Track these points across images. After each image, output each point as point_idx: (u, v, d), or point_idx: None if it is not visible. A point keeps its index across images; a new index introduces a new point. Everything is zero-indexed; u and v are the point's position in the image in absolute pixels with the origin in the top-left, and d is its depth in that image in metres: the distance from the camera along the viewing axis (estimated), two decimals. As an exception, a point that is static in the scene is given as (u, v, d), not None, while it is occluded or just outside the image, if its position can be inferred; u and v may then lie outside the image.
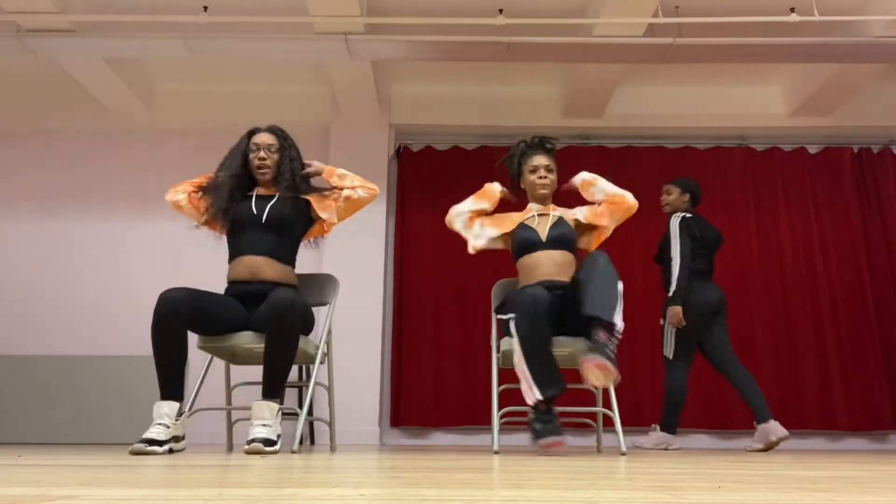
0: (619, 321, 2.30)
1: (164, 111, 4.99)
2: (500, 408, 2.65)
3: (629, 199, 2.69)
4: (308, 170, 2.73)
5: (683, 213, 3.66)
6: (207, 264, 3.82)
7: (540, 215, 2.78)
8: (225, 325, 2.46)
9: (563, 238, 2.69)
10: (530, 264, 2.68)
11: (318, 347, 2.74)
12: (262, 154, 2.63)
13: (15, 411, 4.32)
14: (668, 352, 3.61)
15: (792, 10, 3.83)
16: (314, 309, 2.83)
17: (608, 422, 3.09)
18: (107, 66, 4.34)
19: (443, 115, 4.97)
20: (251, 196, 2.63)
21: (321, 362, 2.73)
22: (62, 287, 4.72)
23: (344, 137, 4.86)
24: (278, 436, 2.29)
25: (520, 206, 2.90)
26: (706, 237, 3.62)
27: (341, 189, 2.70)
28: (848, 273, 4.77)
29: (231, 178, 2.59)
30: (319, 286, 2.94)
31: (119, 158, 4.97)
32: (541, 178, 2.76)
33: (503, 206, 2.91)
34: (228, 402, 2.94)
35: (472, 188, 4.81)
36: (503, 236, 2.80)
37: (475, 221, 2.82)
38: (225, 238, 2.66)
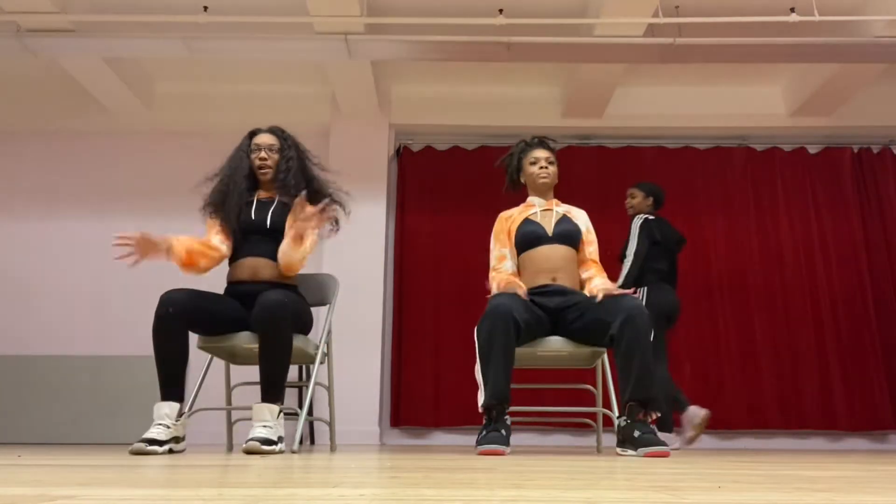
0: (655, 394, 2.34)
1: (164, 111, 4.99)
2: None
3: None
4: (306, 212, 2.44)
5: (646, 216, 3.78)
6: (207, 264, 3.81)
7: (543, 210, 2.75)
8: (225, 326, 2.46)
9: (569, 234, 2.67)
10: (536, 259, 2.64)
11: (317, 347, 2.74)
12: (262, 154, 2.64)
13: (15, 411, 4.32)
14: None
15: (792, 10, 3.83)
16: (314, 309, 2.83)
17: (608, 422, 3.09)
18: (107, 66, 4.34)
19: (443, 115, 4.97)
20: (252, 201, 2.63)
21: (321, 362, 2.73)
22: (62, 287, 4.72)
23: (344, 137, 4.86)
24: (280, 437, 2.29)
25: (519, 200, 2.87)
26: (667, 239, 3.75)
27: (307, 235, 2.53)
28: (848, 273, 4.77)
29: (234, 185, 2.59)
30: (319, 286, 2.94)
31: (119, 158, 4.97)
32: (542, 168, 2.74)
33: (504, 205, 2.89)
34: (228, 402, 2.94)
35: (472, 188, 4.89)
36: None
37: (501, 263, 2.75)
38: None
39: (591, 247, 2.75)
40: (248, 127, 2.78)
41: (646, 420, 2.30)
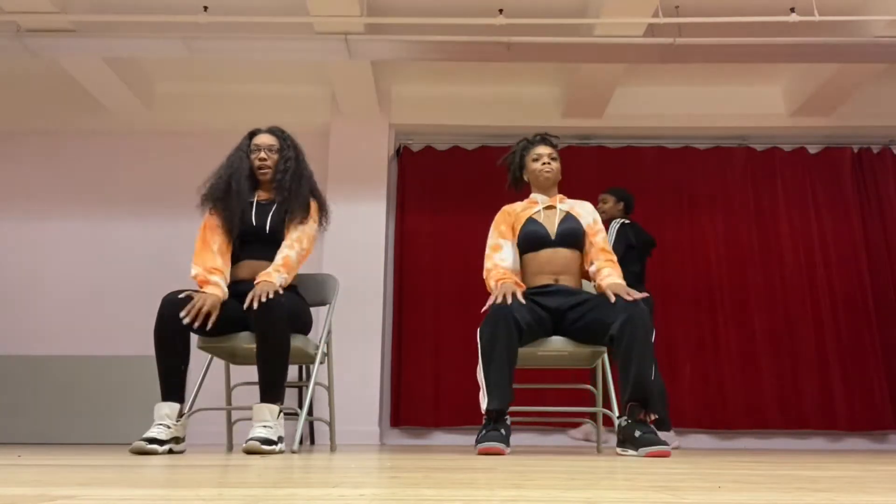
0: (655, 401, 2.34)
1: (164, 111, 4.99)
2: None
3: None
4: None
5: (622, 220, 3.89)
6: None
7: (547, 209, 2.73)
8: (225, 326, 2.46)
9: (572, 234, 2.65)
10: (539, 261, 2.63)
11: (317, 347, 2.74)
12: (262, 155, 2.64)
13: (15, 411, 4.32)
14: None
15: (792, 10, 3.83)
16: (314, 309, 2.83)
17: (608, 422, 3.10)
18: (107, 66, 4.34)
19: (443, 115, 4.97)
20: (252, 203, 2.63)
21: (321, 362, 2.73)
22: (62, 287, 4.72)
23: (344, 137, 4.86)
24: (280, 437, 2.29)
25: (520, 199, 2.86)
26: (641, 243, 3.86)
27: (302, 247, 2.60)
28: (848, 273, 4.77)
29: (235, 186, 2.59)
30: (319, 286, 2.94)
31: (119, 158, 4.97)
32: (544, 164, 2.73)
33: (505, 201, 2.88)
34: (228, 402, 2.94)
35: (473, 188, 4.88)
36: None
37: (496, 253, 2.71)
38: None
39: (599, 235, 2.70)
40: (247, 127, 2.78)
41: (646, 420, 2.29)
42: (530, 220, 2.70)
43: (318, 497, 0.81)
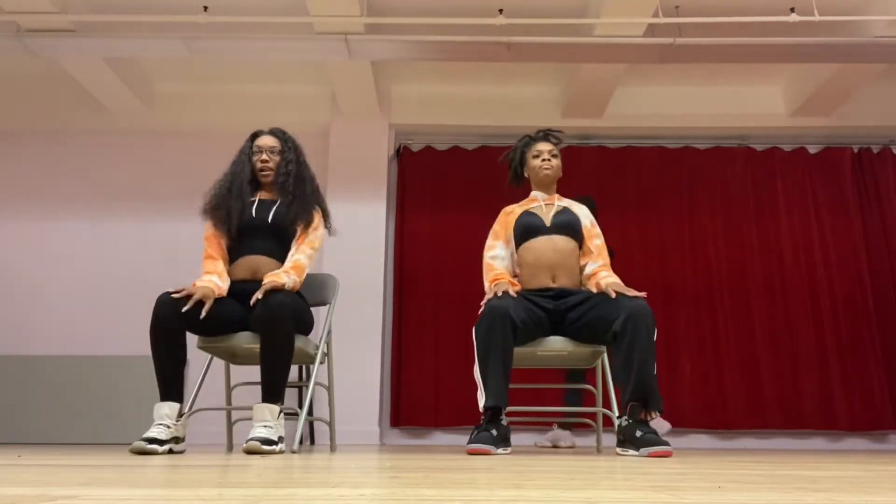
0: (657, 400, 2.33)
1: (164, 111, 4.99)
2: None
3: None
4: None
5: None
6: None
7: (545, 205, 2.74)
8: (225, 326, 2.46)
9: (568, 224, 2.65)
10: (534, 250, 2.62)
11: (317, 347, 2.74)
12: (264, 156, 2.65)
13: (15, 411, 4.32)
14: None
15: (792, 10, 3.83)
16: (314, 309, 2.83)
17: (608, 422, 3.10)
18: (107, 66, 4.34)
19: (443, 115, 4.97)
20: (253, 201, 2.64)
21: (321, 362, 2.73)
22: (62, 287, 4.72)
23: (344, 137, 4.87)
24: (280, 437, 2.29)
25: (521, 196, 2.86)
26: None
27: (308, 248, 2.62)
28: (848, 273, 4.77)
29: (236, 188, 2.60)
30: (319, 286, 2.94)
31: (119, 158, 4.97)
32: (544, 160, 2.74)
33: (504, 205, 2.89)
34: (228, 402, 2.94)
35: (473, 188, 4.89)
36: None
37: (488, 252, 2.72)
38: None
39: (598, 240, 2.71)
40: (247, 127, 2.79)
41: (647, 420, 2.29)
42: (526, 213, 2.72)
43: (318, 497, 0.81)
